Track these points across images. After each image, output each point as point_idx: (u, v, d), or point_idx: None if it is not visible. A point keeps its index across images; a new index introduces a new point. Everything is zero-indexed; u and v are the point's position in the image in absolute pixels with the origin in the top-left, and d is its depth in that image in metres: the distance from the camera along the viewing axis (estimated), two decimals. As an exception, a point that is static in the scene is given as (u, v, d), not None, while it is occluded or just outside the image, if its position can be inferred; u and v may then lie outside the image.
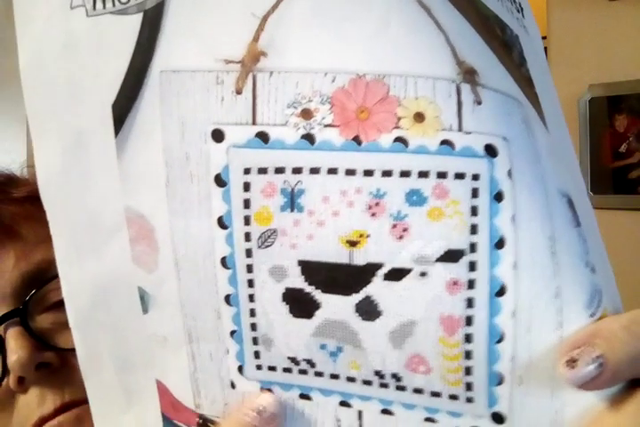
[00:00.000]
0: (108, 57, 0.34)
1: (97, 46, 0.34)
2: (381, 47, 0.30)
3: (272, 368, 0.35)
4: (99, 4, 0.33)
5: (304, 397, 0.36)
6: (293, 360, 0.35)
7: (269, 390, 0.36)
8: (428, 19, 0.30)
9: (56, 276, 0.54)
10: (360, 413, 0.35)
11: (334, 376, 0.34)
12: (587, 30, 2.16)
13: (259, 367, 0.36)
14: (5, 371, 0.54)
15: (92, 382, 0.41)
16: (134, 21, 0.33)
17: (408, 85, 0.30)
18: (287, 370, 0.35)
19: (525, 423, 0.33)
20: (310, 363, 0.35)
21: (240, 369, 0.36)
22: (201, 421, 0.38)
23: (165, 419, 0.40)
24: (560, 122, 0.34)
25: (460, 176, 0.31)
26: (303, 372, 0.35)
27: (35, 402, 0.54)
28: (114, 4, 0.33)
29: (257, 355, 0.35)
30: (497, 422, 0.33)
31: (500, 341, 0.32)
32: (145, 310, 0.38)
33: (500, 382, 0.32)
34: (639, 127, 2.12)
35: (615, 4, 2.10)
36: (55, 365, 0.55)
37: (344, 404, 0.35)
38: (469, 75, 0.30)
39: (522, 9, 0.35)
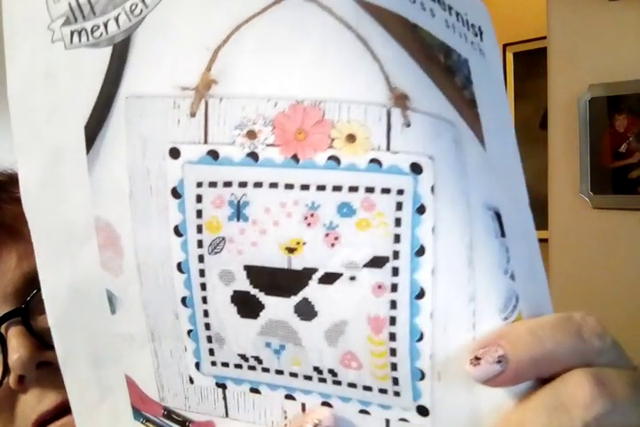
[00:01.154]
0: (82, 84, 0.37)
1: (73, 75, 0.38)
2: (318, 75, 0.34)
3: (225, 364, 0.39)
4: (75, 39, 0.37)
5: (254, 390, 0.39)
6: (243, 357, 0.38)
7: (223, 385, 0.39)
8: (365, 49, 0.33)
9: None
10: (303, 405, 0.38)
11: (279, 372, 0.38)
12: (587, 30, 2.14)
13: (213, 364, 0.39)
14: (6, 370, 0.55)
15: (69, 377, 0.44)
16: (105, 53, 0.37)
17: (341, 110, 0.34)
18: (238, 366, 0.39)
19: (446, 417, 0.36)
20: (258, 360, 0.38)
21: (197, 365, 0.40)
22: (166, 412, 0.42)
23: (135, 410, 0.43)
24: (505, 140, 0.36)
25: (386, 191, 0.34)
26: (252, 368, 0.38)
27: (35, 401, 0.55)
28: (88, 39, 0.37)
29: (211, 352, 0.39)
30: (422, 414, 0.36)
31: (420, 339, 0.35)
32: (113, 311, 0.41)
33: (422, 378, 0.35)
34: (639, 127, 2.10)
35: (615, 4, 2.08)
36: (56, 364, 0.54)
37: (289, 397, 0.38)
38: (401, 100, 0.33)
39: (481, 33, 0.37)
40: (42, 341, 0.56)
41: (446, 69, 0.34)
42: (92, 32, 0.37)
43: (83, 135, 0.38)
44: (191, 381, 0.40)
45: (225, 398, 0.40)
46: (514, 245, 0.35)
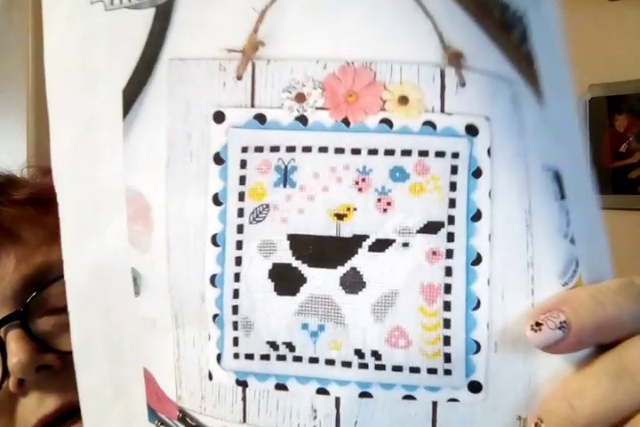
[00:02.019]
0: (122, 47, 0.36)
1: (112, 37, 0.36)
2: (369, 35, 0.33)
3: (249, 356, 0.36)
4: (116, 0, 0.36)
5: (280, 387, 0.36)
6: (272, 345, 0.35)
7: (244, 383, 0.36)
8: (417, 6, 0.32)
9: (57, 278, 0.54)
10: (337, 400, 0.35)
11: (313, 360, 0.35)
12: (587, 30, 2.11)
13: (236, 356, 0.36)
14: (6, 373, 0.53)
15: (82, 373, 0.41)
16: (147, 15, 0.35)
17: (393, 71, 0.33)
18: (264, 357, 0.35)
19: (500, 390, 0.34)
20: (290, 346, 0.35)
21: (219, 358, 0.36)
22: (181, 415, 0.38)
23: (150, 411, 0.39)
24: (565, 98, 0.35)
25: (440, 154, 0.33)
26: (281, 358, 0.35)
27: (35, 404, 0.54)
28: (130, 0, 0.36)
29: (235, 342, 0.36)
30: (474, 391, 0.34)
31: (476, 308, 0.33)
32: (137, 293, 0.38)
33: (477, 351, 0.33)
34: (639, 127, 2.11)
35: (615, 4, 2.10)
36: (56, 367, 0.54)
37: (321, 391, 0.35)
38: (455, 59, 0.32)
39: None
40: (41, 344, 0.54)
41: (502, 25, 0.33)
42: None
43: (120, 99, 0.37)
44: (210, 377, 0.37)
45: (244, 398, 0.36)
46: (574, 207, 0.34)
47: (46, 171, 0.64)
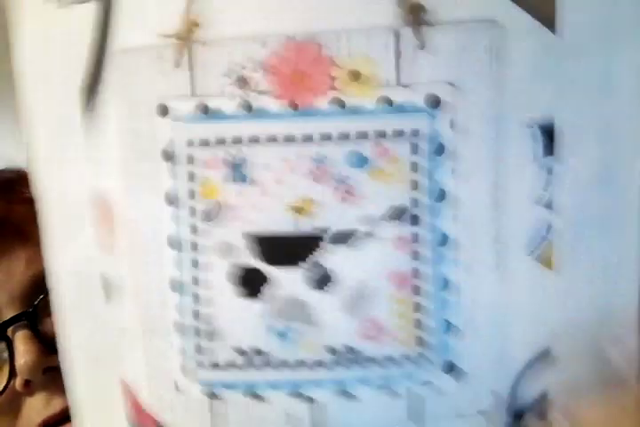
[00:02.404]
0: (74, 44, 0.34)
1: (65, 35, 0.34)
2: (310, 3, 0.30)
3: (215, 365, 0.33)
4: None
5: (249, 395, 0.33)
6: (238, 351, 0.33)
7: (212, 394, 0.34)
8: None
9: None
10: (312, 401, 0.33)
11: (283, 363, 0.33)
12: None
13: (200, 365, 0.34)
14: (12, 373, 0.54)
15: (69, 383, 0.40)
16: (92, 7, 0.33)
17: (341, 42, 0.30)
18: (231, 365, 0.33)
19: (474, 368, 0.32)
20: (257, 351, 0.33)
21: (183, 369, 0.34)
22: None
23: (130, 425, 0.38)
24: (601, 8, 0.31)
25: (399, 133, 0.30)
26: (249, 364, 0.33)
27: (40, 405, 0.54)
28: None
29: (199, 350, 0.33)
30: (449, 372, 0.32)
31: (445, 288, 0.32)
32: (108, 298, 0.37)
33: (448, 330, 0.32)
34: None
35: None
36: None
37: (294, 395, 0.33)
38: (413, 14, 0.29)
39: None
40: (49, 346, 0.54)
41: None
42: None
43: (78, 99, 0.35)
44: (177, 388, 0.34)
45: (211, 410, 0.34)
46: (571, 154, 0.31)
47: None
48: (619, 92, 0.31)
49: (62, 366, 0.40)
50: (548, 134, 0.31)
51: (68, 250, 0.37)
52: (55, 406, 0.54)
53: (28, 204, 0.57)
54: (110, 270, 0.36)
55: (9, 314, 0.55)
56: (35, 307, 0.55)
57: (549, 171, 0.31)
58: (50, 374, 0.53)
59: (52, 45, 0.35)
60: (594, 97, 0.31)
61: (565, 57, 0.30)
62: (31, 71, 0.36)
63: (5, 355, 0.54)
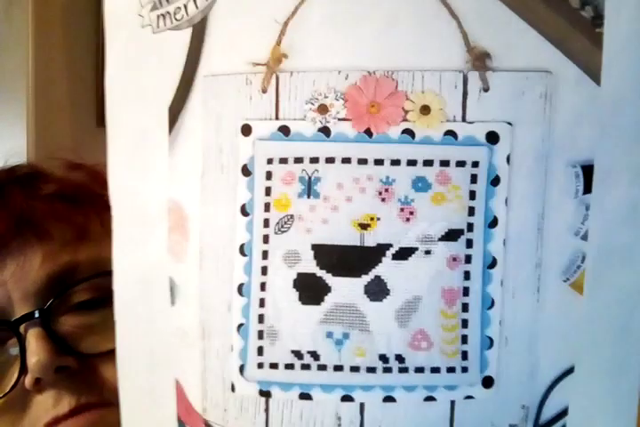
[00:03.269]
0: (167, 67, 0.37)
1: (159, 58, 0.37)
2: (390, 43, 0.33)
3: (274, 366, 0.36)
4: (161, 23, 0.37)
5: (304, 396, 0.36)
6: (297, 354, 0.35)
7: (268, 393, 0.36)
8: (441, 6, 0.32)
9: (82, 280, 0.54)
10: (362, 406, 0.35)
11: (338, 368, 0.35)
12: None
13: (260, 366, 0.36)
14: (23, 370, 0.53)
15: (124, 382, 0.41)
16: (186, 35, 0.36)
17: (415, 80, 0.33)
18: (289, 366, 0.36)
19: (509, 382, 0.36)
20: (314, 355, 0.35)
21: (242, 369, 0.36)
22: None
23: (180, 423, 0.40)
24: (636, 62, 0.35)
25: (461, 164, 0.34)
26: (306, 367, 0.36)
27: (50, 403, 0.53)
28: (172, 22, 0.36)
29: (260, 351, 0.36)
30: (487, 386, 0.35)
31: (490, 307, 0.35)
32: (173, 302, 0.39)
33: (490, 346, 0.35)
34: None
35: None
36: (74, 369, 0.54)
37: (346, 398, 0.35)
38: (479, 61, 0.33)
39: None
40: (61, 345, 0.54)
41: None
42: (175, 14, 0.36)
43: (166, 116, 0.38)
44: (232, 388, 0.37)
45: (267, 409, 0.36)
46: (606, 193, 0.35)
47: (74, 166, 0.64)
48: None
49: (117, 364, 0.41)
50: (589, 174, 0.35)
51: (138, 253, 0.39)
52: (64, 405, 0.53)
53: (48, 201, 0.58)
54: (179, 275, 0.38)
55: (23, 311, 0.55)
56: (49, 305, 0.55)
57: (587, 207, 0.35)
58: (60, 374, 0.53)
59: (144, 66, 0.38)
60: (629, 144, 0.35)
61: (606, 106, 0.35)
62: (120, 88, 0.39)
63: (16, 351, 0.54)
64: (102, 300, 0.52)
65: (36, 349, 0.53)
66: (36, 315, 0.54)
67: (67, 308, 0.56)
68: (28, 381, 0.53)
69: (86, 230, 0.58)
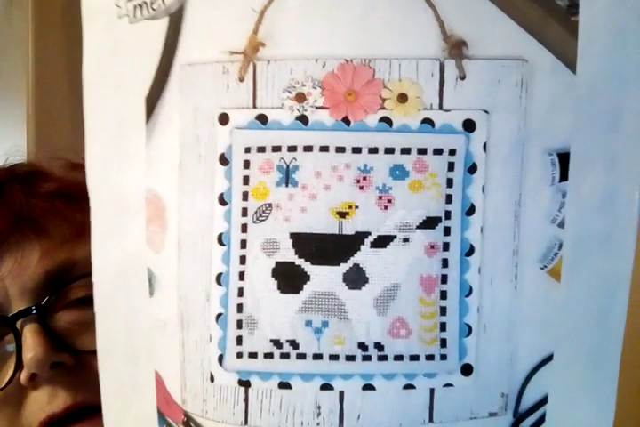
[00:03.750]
0: (143, 56, 0.37)
1: (136, 48, 0.37)
2: (367, 31, 0.33)
3: (253, 355, 0.36)
4: (137, 12, 0.37)
5: (283, 385, 0.36)
6: (276, 343, 0.35)
7: (247, 382, 0.36)
8: None
9: (79, 277, 0.54)
10: (341, 394, 0.35)
11: (317, 356, 0.35)
12: None
13: (239, 355, 0.36)
14: (19, 366, 0.53)
15: (104, 373, 0.41)
16: (162, 24, 0.36)
17: (392, 68, 0.33)
18: (268, 355, 0.36)
19: (488, 370, 0.36)
20: (293, 344, 0.35)
21: (220, 359, 0.36)
22: (185, 419, 0.38)
23: (160, 415, 0.40)
24: (622, 39, 0.35)
25: (438, 152, 0.34)
26: (285, 356, 0.35)
27: (45, 400, 0.54)
28: (148, 12, 0.36)
29: (239, 341, 0.36)
30: (466, 374, 0.35)
31: (468, 294, 0.35)
32: (151, 293, 0.39)
33: (468, 333, 0.35)
34: None
35: None
36: (69, 365, 0.54)
37: (325, 387, 0.35)
38: (456, 49, 0.33)
39: None
40: (57, 341, 0.54)
41: None
42: (152, 4, 0.36)
43: (143, 107, 0.38)
44: (212, 379, 0.37)
45: (246, 399, 0.36)
46: (582, 181, 0.35)
47: (75, 166, 0.63)
48: (625, 130, 0.36)
49: (98, 356, 0.41)
50: (565, 162, 0.35)
51: (117, 245, 0.39)
52: (59, 402, 0.53)
53: (47, 199, 0.58)
54: (157, 266, 0.38)
55: (19, 307, 0.55)
56: (46, 301, 0.55)
57: (564, 194, 0.35)
58: (56, 370, 0.53)
59: (121, 56, 0.38)
60: (604, 132, 0.36)
61: (581, 95, 0.35)
62: (97, 79, 0.39)
63: (13, 347, 0.54)
64: None
65: (32, 344, 0.53)
66: (33, 311, 0.54)
67: (63, 304, 0.56)
68: (23, 376, 0.53)
69: (84, 228, 0.58)
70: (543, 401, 0.37)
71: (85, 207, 0.58)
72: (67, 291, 0.56)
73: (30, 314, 0.54)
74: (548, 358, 0.36)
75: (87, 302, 0.55)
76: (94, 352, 0.53)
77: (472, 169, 0.34)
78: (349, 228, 0.34)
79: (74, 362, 0.54)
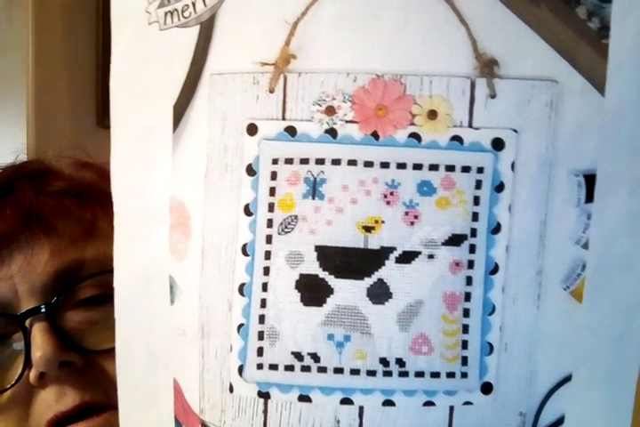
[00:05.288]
0: (173, 64, 0.37)
1: (165, 55, 0.37)
2: (399, 47, 0.33)
3: (273, 367, 0.36)
4: (168, 20, 0.37)
5: (303, 398, 0.36)
6: (297, 356, 0.35)
7: (267, 394, 0.36)
8: (450, 12, 0.33)
9: (88, 277, 0.54)
10: (361, 409, 0.35)
11: (338, 371, 0.35)
12: None
13: (259, 367, 0.36)
14: (27, 364, 0.53)
15: (123, 378, 0.41)
16: (193, 32, 0.36)
17: (423, 84, 0.33)
18: (289, 368, 0.35)
19: (507, 389, 0.36)
20: (315, 357, 0.35)
21: (240, 370, 0.36)
22: None
23: (177, 423, 0.40)
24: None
25: (466, 169, 0.34)
26: (306, 369, 0.35)
27: (53, 399, 0.53)
28: (179, 19, 0.36)
29: (260, 352, 0.36)
30: (485, 392, 0.35)
31: (491, 313, 0.35)
32: (172, 301, 0.39)
33: (490, 352, 0.35)
34: None
35: None
36: (78, 365, 0.54)
37: (345, 401, 0.35)
38: (487, 67, 0.33)
39: None
40: (66, 341, 0.54)
41: (564, 1, 0.34)
42: (183, 12, 0.36)
43: (171, 114, 0.37)
44: (231, 389, 0.37)
45: (265, 411, 0.36)
46: (607, 203, 0.35)
47: (83, 164, 0.64)
48: None
49: (116, 360, 0.41)
50: (591, 183, 0.35)
51: (139, 251, 0.39)
52: (67, 401, 0.53)
53: (57, 197, 0.59)
54: (179, 273, 0.38)
55: (29, 305, 0.55)
56: (56, 300, 0.55)
57: (589, 216, 0.35)
58: (64, 369, 0.53)
59: (150, 63, 0.38)
60: (629, 155, 0.36)
61: (609, 117, 0.35)
62: (126, 85, 0.39)
63: (21, 345, 0.54)
64: (108, 297, 0.51)
65: (40, 343, 0.53)
66: (42, 309, 0.54)
67: (72, 304, 0.56)
68: (32, 375, 0.53)
69: (94, 227, 0.58)
70: (560, 421, 0.37)
71: (94, 206, 0.59)
72: (76, 290, 0.56)
73: (39, 313, 0.54)
74: (567, 379, 0.36)
75: (96, 301, 0.56)
76: (103, 352, 0.53)
77: (499, 188, 0.34)
78: (375, 242, 0.34)
79: (82, 362, 0.54)
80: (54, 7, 1.34)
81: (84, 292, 0.56)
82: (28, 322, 0.54)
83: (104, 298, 0.55)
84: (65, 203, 0.59)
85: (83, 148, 0.65)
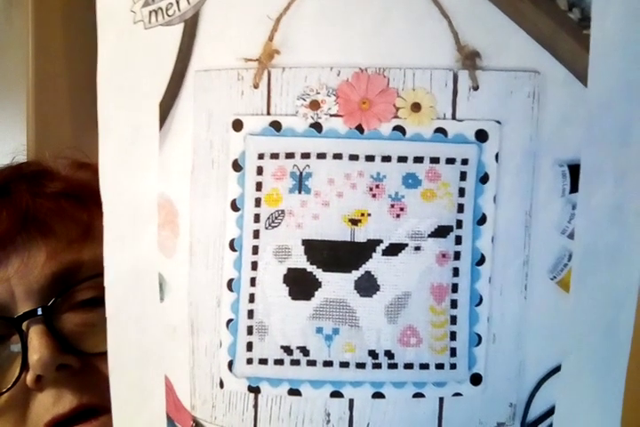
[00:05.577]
0: (158, 62, 0.37)
1: (151, 54, 0.37)
2: (382, 41, 0.33)
3: (263, 361, 0.36)
4: (152, 18, 0.37)
5: (293, 392, 0.36)
6: (286, 350, 0.36)
7: (257, 389, 0.36)
8: (432, 5, 0.33)
9: (86, 279, 0.53)
10: (351, 402, 0.35)
11: (327, 364, 0.35)
12: None
13: (249, 361, 0.36)
14: (24, 367, 0.53)
15: (115, 377, 0.41)
16: (177, 30, 0.36)
17: (406, 77, 0.34)
18: (278, 362, 0.36)
19: (497, 380, 0.36)
20: (304, 351, 0.35)
21: (230, 365, 0.37)
22: (194, 424, 0.38)
23: (169, 420, 0.40)
24: (624, 65, 0.36)
25: (450, 161, 0.34)
26: (295, 362, 0.36)
27: (50, 402, 0.53)
28: (163, 18, 0.37)
29: (249, 347, 0.36)
30: (475, 383, 0.36)
31: (478, 304, 0.35)
32: (162, 298, 0.39)
33: (478, 343, 0.35)
34: None
35: None
36: (75, 367, 0.53)
37: (335, 394, 0.35)
38: (469, 59, 0.33)
39: None
40: (63, 343, 0.53)
41: None
42: (167, 10, 0.36)
43: (157, 112, 0.38)
44: (221, 384, 0.37)
45: (256, 405, 0.36)
46: (592, 192, 0.36)
47: (80, 165, 0.63)
48: (635, 143, 0.36)
49: (108, 360, 0.41)
50: (576, 173, 0.35)
51: (129, 249, 0.39)
52: (64, 404, 0.53)
53: (54, 199, 0.58)
54: (168, 271, 0.38)
55: (25, 308, 0.54)
56: (52, 303, 0.54)
57: (574, 206, 0.35)
58: (61, 372, 0.53)
59: (135, 62, 0.38)
60: (614, 145, 0.36)
61: (592, 107, 0.35)
62: (112, 84, 0.39)
63: (18, 348, 0.54)
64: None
65: (37, 346, 0.52)
66: (39, 312, 0.54)
67: (70, 306, 0.56)
68: (29, 378, 0.53)
69: (91, 229, 0.57)
70: (550, 412, 0.37)
71: (92, 208, 0.58)
72: (73, 292, 0.55)
73: (36, 315, 0.54)
74: (556, 369, 0.37)
75: (94, 303, 0.55)
76: (100, 354, 0.53)
77: (484, 179, 0.34)
78: (361, 235, 0.34)
79: (80, 364, 0.54)
80: (54, 7, 1.34)
81: (81, 294, 0.56)
82: (24, 325, 0.54)
83: (101, 300, 0.54)
84: (62, 204, 0.58)
85: (83, 148, 0.65)
